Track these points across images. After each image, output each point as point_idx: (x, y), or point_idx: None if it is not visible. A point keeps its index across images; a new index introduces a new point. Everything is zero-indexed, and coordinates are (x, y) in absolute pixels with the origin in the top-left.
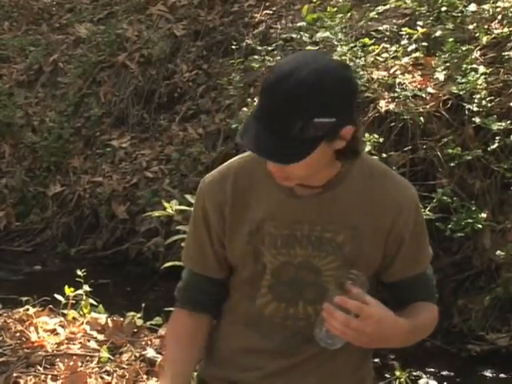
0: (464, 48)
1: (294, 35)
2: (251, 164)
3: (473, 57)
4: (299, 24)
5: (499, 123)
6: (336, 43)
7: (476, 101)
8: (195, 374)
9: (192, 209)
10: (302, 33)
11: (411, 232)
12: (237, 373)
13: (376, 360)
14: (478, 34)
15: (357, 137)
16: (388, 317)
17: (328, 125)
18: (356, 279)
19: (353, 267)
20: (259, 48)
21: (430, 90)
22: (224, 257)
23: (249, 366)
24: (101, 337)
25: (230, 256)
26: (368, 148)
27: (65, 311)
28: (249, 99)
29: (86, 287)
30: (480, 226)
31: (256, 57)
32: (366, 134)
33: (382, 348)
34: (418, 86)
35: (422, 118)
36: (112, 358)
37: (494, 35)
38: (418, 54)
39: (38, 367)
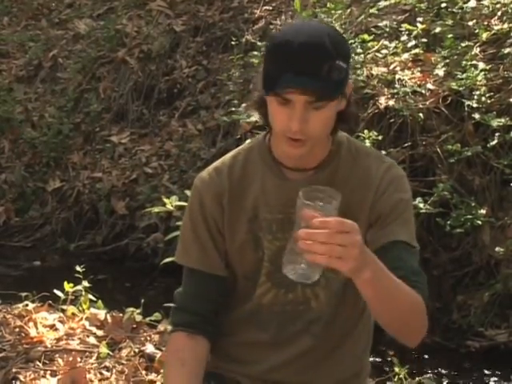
0: (464, 44)
1: None
2: (244, 156)
3: (472, 53)
4: (298, 20)
5: (499, 119)
6: None
7: (476, 97)
8: None
9: (186, 209)
10: None
11: (390, 203)
12: (238, 368)
13: (375, 356)
14: (477, 31)
15: (352, 99)
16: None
17: (345, 70)
18: (325, 198)
19: None
20: (259, 44)
21: (429, 86)
22: (225, 251)
23: (249, 361)
24: (100, 332)
25: (230, 247)
26: (368, 144)
27: (64, 307)
28: (248, 95)
29: (86, 283)
30: (479, 222)
31: (256, 53)
32: (366, 131)
33: (381, 348)
34: (418, 83)
35: (421, 115)
36: (111, 353)
37: (493, 31)
38: (417, 51)
39: (37, 363)
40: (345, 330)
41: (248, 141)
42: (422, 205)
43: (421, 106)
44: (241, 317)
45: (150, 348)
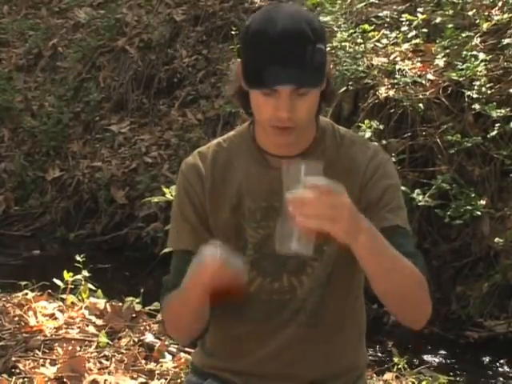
0: (464, 34)
1: None
2: (229, 142)
3: (473, 43)
4: None
5: (499, 110)
6: (336, 29)
7: (476, 88)
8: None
9: (175, 194)
10: None
11: (378, 191)
12: (227, 362)
13: (374, 346)
14: (478, 21)
15: (331, 77)
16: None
17: (324, 52)
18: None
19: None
20: None
21: (429, 76)
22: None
23: (237, 355)
24: (99, 321)
25: (215, 232)
26: (368, 134)
27: (63, 296)
28: None
29: (85, 272)
30: (479, 212)
31: None
32: (366, 121)
33: (380, 339)
34: (418, 73)
35: (421, 105)
36: (110, 342)
37: (494, 22)
38: (418, 41)
39: (37, 351)
40: (333, 322)
41: (236, 128)
42: (420, 197)
43: (421, 96)
44: (227, 309)
45: (149, 337)
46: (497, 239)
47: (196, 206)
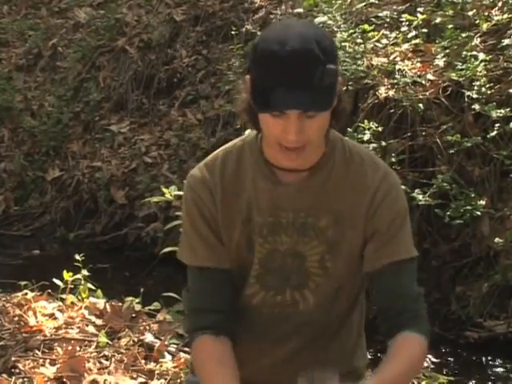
0: (464, 35)
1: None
2: (237, 152)
3: (473, 44)
4: (299, 10)
5: (499, 110)
6: (336, 29)
7: (476, 88)
8: None
9: (183, 209)
10: (301, 19)
11: (387, 217)
12: None
13: (373, 347)
14: (478, 21)
15: (343, 95)
16: None
17: (335, 72)
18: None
19: (336, 251)
20: (259, 33)
21: (429, 76)
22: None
23: (239, 362)
24: (99, 321)
25: (227, 244)
26: (367, 135)
27: (63, 296)
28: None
29: (85, 272)
30: (479, 213)
31: None
32: (365, 121)
33: (380, 339)
34: (418, 73)
35: (421, 105)
36: (110, 342)
37: (494, 22)
38: (417, 41)
39: (37, 351)
40: (333, 329)
41: (243, 136)
42: (420, 196)
43: (421, 96)
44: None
45: (149, 337)
46: (496, 239)
47: (208, 219)
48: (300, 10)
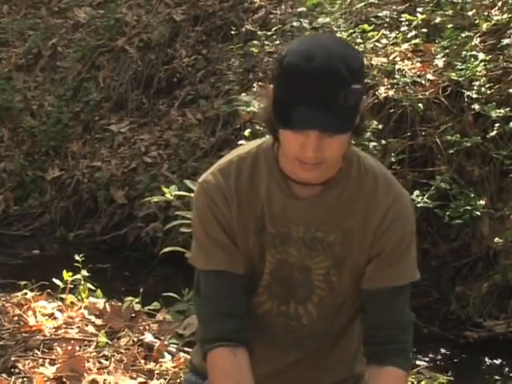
0: (464, 35)
1: (294, 23)
2: (253, 158)
3: (472, 43)
4: (299, 10)
5: (498, 110)
6: (336, 29)
7: (475, 88)
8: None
9: (195, 214)
10: (301, 19)
11: (393, 241)
12: None
13: None
14: (477, 21)
15: (365, 112)
16: None
17: (360, 92)
18: None
19: (341, 267)
20: (259, 33)
21: (429, 76)
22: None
23: None
24: (99, 321)
25: (241, 251)
26: (367, 135)
27: (63, 296)
28: (248, 84)
29: (84, 272)
30: (478, 213)
31: (255, 42)
32: (365, 121)
33: None
34: (418, 73)
35: (421, 105)
36: (110, 342)
37: (493, 22)
38: (417, 41)
39: (36, 351)
40: (335, 340)
41: (257, 141)
42: (419, 198)
43: (420, 96)
44: None
45: (148, 337)
46: (496, 239)
47: (223, 224)
48: (301, 10)
